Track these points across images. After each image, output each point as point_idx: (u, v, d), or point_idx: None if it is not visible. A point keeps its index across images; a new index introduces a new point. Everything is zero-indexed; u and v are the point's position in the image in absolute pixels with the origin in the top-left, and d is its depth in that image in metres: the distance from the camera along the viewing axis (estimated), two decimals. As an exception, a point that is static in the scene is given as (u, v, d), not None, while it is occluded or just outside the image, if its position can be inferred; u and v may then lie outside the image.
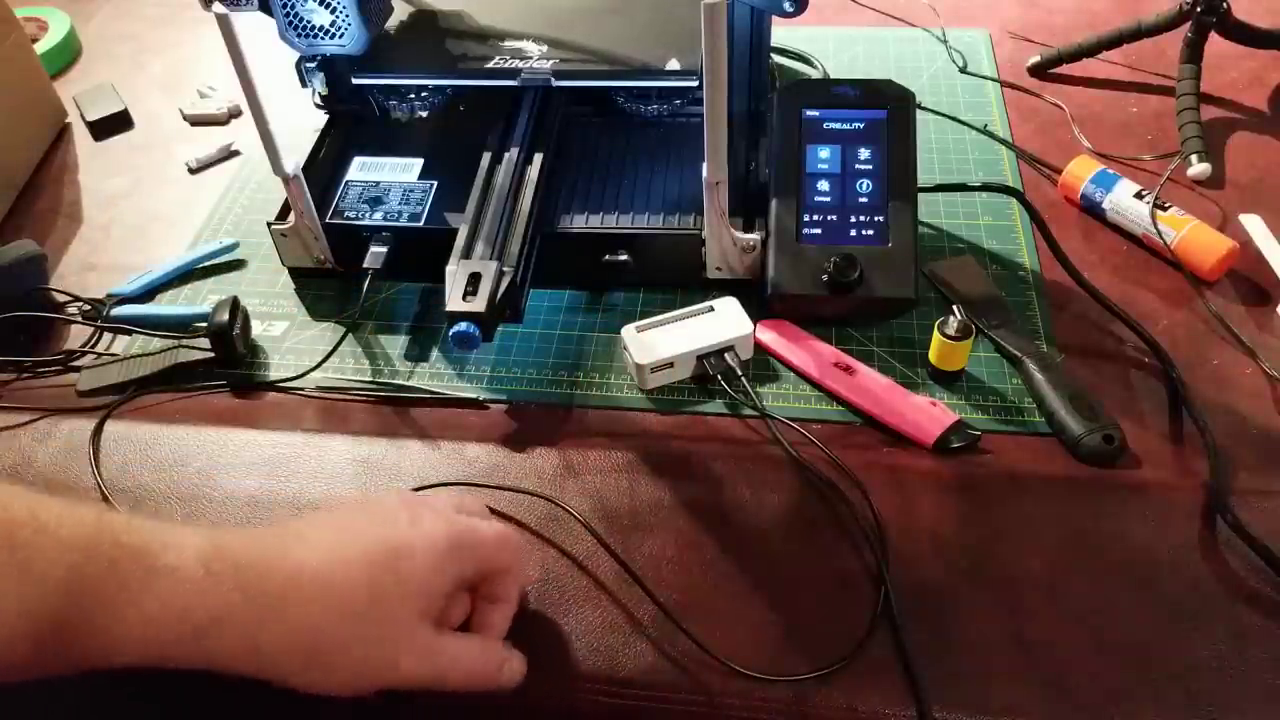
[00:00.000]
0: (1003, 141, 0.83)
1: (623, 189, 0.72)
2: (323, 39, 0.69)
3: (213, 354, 0.67)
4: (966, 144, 0.83)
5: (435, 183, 0.73)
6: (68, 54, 1.01)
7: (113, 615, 0.40)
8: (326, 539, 0.45)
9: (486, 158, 0.71)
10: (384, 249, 0.70)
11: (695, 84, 0.68)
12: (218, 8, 0.59)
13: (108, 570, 0.41)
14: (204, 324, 0.68)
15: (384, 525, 0.47)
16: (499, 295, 0.61)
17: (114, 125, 0.92)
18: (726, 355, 0.64)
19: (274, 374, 0.68)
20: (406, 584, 0.45)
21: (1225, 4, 0.84)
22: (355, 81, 0.73)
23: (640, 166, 0.73)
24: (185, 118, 0.93)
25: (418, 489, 0.59)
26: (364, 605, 0.44)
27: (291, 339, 0.71)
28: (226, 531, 0.45)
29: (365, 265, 0.70)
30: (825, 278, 0.64)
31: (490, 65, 0.71)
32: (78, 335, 0.72)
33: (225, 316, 0.66)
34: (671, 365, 0.64)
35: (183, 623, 0.41)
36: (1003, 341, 0.65)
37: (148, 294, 0.75)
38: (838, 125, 0.69)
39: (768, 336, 0.67)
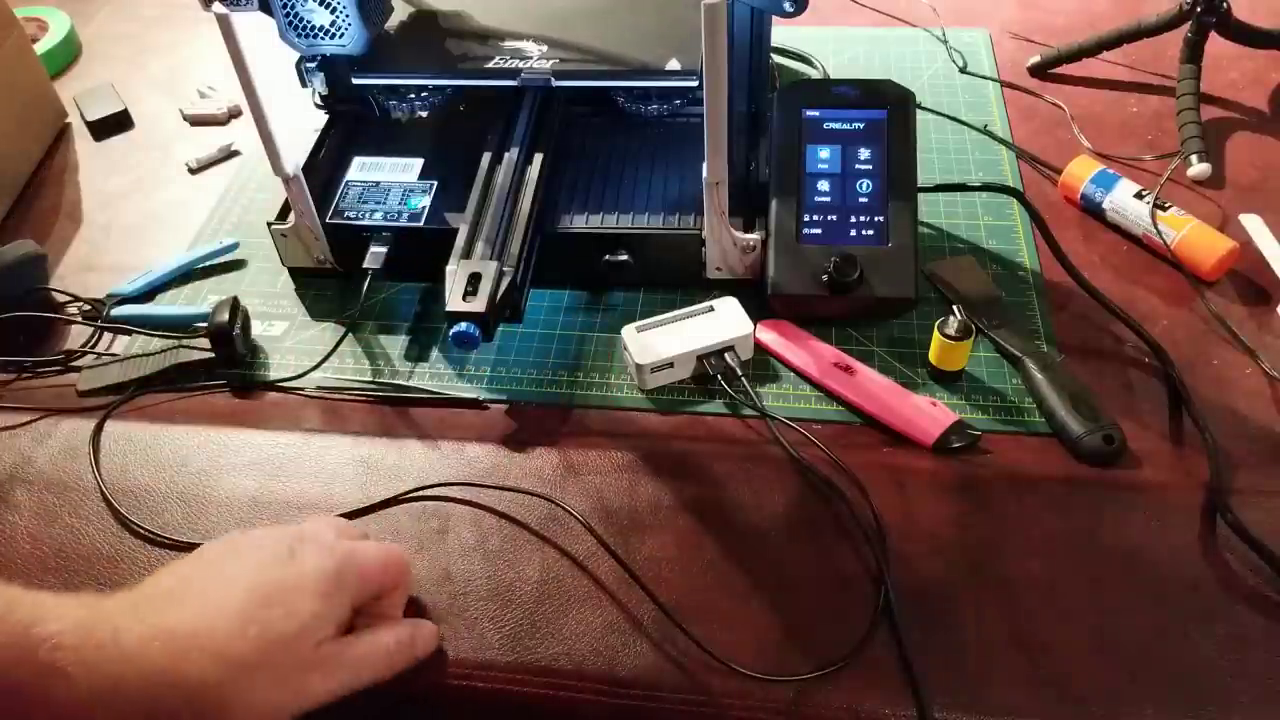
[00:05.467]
0: (1003, 141, 0.83)
1: (623, 189, 0.72)
2: (323, 39, 0.69)
3: (213, 354, 0.67)
4: (966, 144, 0.83)
5: (435, 183, 0.73)
6: (68, 54, 1.01)
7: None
8: (204, 595, 0.44)
9: (486, 158, 0.71)
10: (384, 249, 0.70)
11: (695, 84, 0.68)
12: (218, 8, 0.59)
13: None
14: (204, 324, 0.68)
15: (263, 566, 0.46)
16: (499, 295, 0.61)
17: (114, 125, 0.92)
18: (726, 355, 0.64)
19: (274, 374, 0.68)
20: (298, 616, 0.45)
21: (1225, 4, 0.84)
22: (355, 81, 0.73)
23: (640, 166, 0.73)
24: (185, 118, 0.92)
25: (416, 489, 0.60)
26: (255, 652, 0.43)
27: (291, 339, 0.71)
28: (105, 599, 0.44)
29: (365, 265, 0.70)
30: (825, 278, 0.64)
31: (490, 65, 0.71)
32: (78, 335, 0.72)
33: (225, 316, 0.66)
34: (671, 365, 0.64)
35: (72, 695, 0.40)
36: (1003, 341, 0.65)
37: (148, 294, 0.75)
38: (838, 125, 0.69)
39: (768, 336, 0.67)
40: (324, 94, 0.78)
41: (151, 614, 0.43)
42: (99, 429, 0.64)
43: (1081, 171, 0.76)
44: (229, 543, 0.49)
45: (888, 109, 0.68)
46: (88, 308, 0.74)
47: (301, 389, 0.67)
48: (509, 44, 0.72)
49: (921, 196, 0.70)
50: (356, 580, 0.48)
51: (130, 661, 0.41)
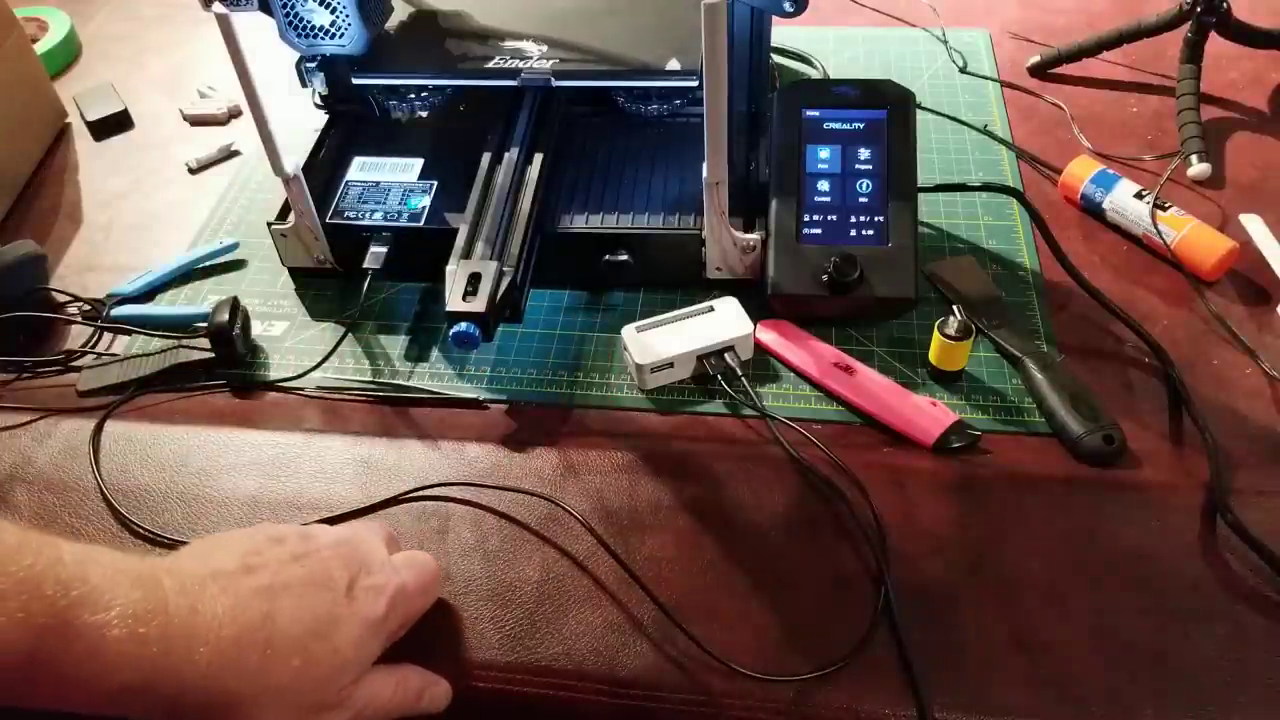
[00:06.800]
0: (1003, 141, 0.83)
1: (623, 189, 0.72)
2: (323, 39, 0.69)
3: (213, 354, 0.67)
4: (966, 144, 0.83)
5: (435, 183, 0.73)
6: (68, 54, 1.01)
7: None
8: (265, 605, 0.43)
9: (486, 158, 0.71)
10: (384, 249, 0.70)
11: (695, 84, 0.68)
12: (218, 8, 0.59)
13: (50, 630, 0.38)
14: (204, 324, 0.68)
15: (325, 595, 0.46)
16: (499, 295, 0.61)
17: (114, 125, 0.92)
18: (726, 355, 0.64)
19: (274, 374, 0.68)
20: (340, 655, 0.45)
21: (1225, 4, 0.84)
22: (355, 81, 0.73)
23: (640, 166, 0.73)
24: (185, 118, 0.92)
25: (416, 489, 0.60)
26: (291, 681, 0.43)
27: (291, 339, 0.71)
28: (165, 576, 0.42)
29: (365, 265, 0.70)
30: (825, 278, 0.64)
31: (490, 65, 0.71)
32: (78, 335, 0.72)
33: (225, 316, 0.66)
34: (671, 365, 0.64)
35: (105, 682, 0.39)
36: (1003, 341, 0.65)
37: (148, 294, 0.75)
38: (838, 125, 0.69)
39: (768, 336, 0.67)
40: (324, 94, 0.78)
41: (209, 615, 0.42)
42: (99, 429, 0.64)
43: (1081, 171, 0.76)
44: (302, 539, 0.48)
45: (888, 109, 0.68)
46: (88, 308, 0.74)
47: (301, 389, 0.67)
48: (509, 44, 0.72)
49: (921, 196, 0.70)
50: (400, 619, 0.49)
51: (172, 660, 0.40)
